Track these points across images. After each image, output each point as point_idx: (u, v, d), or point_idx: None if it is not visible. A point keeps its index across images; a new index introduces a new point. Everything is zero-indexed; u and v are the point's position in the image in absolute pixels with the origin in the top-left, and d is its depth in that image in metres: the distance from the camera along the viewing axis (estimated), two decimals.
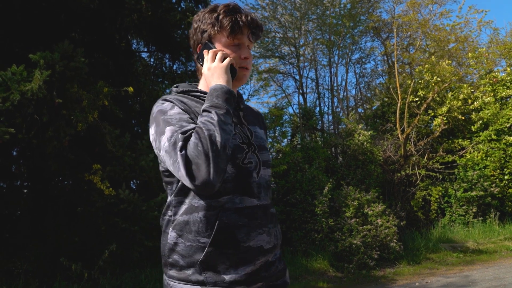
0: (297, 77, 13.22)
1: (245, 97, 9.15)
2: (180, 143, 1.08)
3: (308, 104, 12.53)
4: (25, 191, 6.25)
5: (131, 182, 6.73)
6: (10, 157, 5.81)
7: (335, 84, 13.28)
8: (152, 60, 8.90)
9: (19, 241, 5.57)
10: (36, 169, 5.65)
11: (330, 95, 13.33)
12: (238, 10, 1.28)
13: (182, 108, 1.21)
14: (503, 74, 11.29)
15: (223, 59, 1.24)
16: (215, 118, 1.11)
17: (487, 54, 10.87)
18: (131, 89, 5.21)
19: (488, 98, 10.41)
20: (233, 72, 1.27)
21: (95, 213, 5.31)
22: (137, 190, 6.21)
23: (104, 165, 5.24)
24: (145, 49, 8.65)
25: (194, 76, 8.63)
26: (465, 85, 10.43)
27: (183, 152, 1.07)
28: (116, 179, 5.39)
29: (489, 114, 10.33)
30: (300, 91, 13.14)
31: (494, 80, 10.97)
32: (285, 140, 10.12)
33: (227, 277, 1.14)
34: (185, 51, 7.82)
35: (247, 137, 1.25)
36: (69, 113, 4.77)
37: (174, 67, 8.84)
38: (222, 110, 1.14)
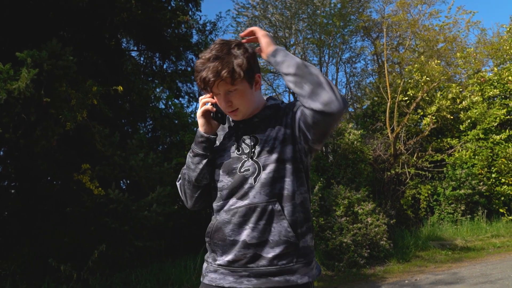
0: None
1: None
2: (179, 176, 1.60)
3: None
4: (13, 191, 6.17)
5: (121, 181, 6.69)
6: None
7: None
8: (142, 59, 8.86)
9: (7, 242, 5.49)
10: (24, 169, 5.58)
11: None
12: (201, 67, 1.37)
13: None
14: (490, 74, 11.45)
15: (202, 106, 1.45)
16: (187, 159, 1.50)
17: (475, 54, 11.02)
18: (120, 88, 5.18)
19: (476, 98, 10.55)
20: (221, 116, 1.46)
21: (85, 213, 5.27)
22: (127, 189, 6.17)
23: (93, 164, 5.20)
24: (135, 48, 8.60)
25: (185, 75, 8.60)
26: (453, 85, 10.56)
27: (178, 182, 1.60)
28: (106, 179, 5.35)
29: (477, 113, 10.47)
30: (290, 90, 13.16)
31: (482, 79, 11.12)
32: None
33: (218, 261, 1.42)
34: (175, 50, 7.79)
35: (248, 146, 1.40)
36: (57, 112, 4.71)
37: (164, 66, 8.80)
38: (191, 153, 1.48)
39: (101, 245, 5.03)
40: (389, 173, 9.80)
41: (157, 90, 8.28)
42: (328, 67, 13.23)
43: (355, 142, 8.96)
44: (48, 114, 4.68)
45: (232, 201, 1.39)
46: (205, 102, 1.44)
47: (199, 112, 1.45)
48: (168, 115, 7.93)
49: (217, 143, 1.51)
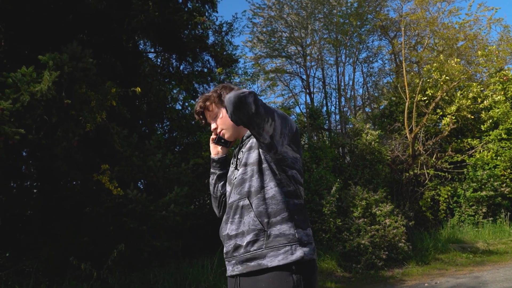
0: (304, 77, 13.19)
1: None
2: None
3: (315, 104, 12.49)
4: (35, 191, 6.31)
5: (139, 182, 6.77)
6: (20, 158, 5.87)
7: (342, 84, 13.23)
8: (159, 60, 8.94)
9: (30, 240, 5.62)
10: (45, 169, 5.71)
11: (337, 94, 13.28)
12: (196, 104, 1.87)
13: None
14: None
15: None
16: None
17: (497, 52, 10.72)
18: (138, 89, 5.23)
19: (498, 97, 10.28)
20: (224, 141, 1.83)
21: (104, 213, 5.35)
22: (145, 190, 6.24)
23: (112, 165, 5.28)
24: (152, 50, 8.69)
25: (201, 76, 8.65)
26: (474, 84, 10.31)
27: None
28: (124, 179, 5.42)
29: (499, 112, 10.20)
30: (307, 90, 13.11)
31: (505, 78, 10.83)
32: None
33: (224, 254, 1.69)
34: (191, 51, 7.84)
35: (237, 160, 1.73)
36: (77, 114, 4.80)
37: (181, 68, 8.87)
38: (210, 173, 1.92)
39: (120, 244, 5.10)
40: (407, 174, 9.65)
41: (174, 91, 8.35)
42: (345, 67, 13.12)
43: (373, 143, 8.86)
44: (69, 115, 4.77)
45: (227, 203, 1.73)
46: (212, 136, 1.90)
47: (210, 143, 1.93)
48: (185, 116, 7.99)
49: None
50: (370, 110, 13.60)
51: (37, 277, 5.28)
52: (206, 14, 8.04)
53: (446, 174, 10.04)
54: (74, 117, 4.82)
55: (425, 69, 10.16)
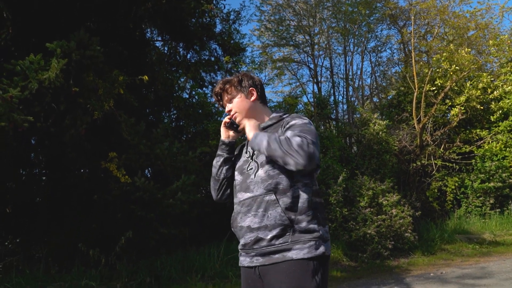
0: (312, 66, 13.10)
1: None
2: None
3: (322, 93, 12.41)
4: (44, 178, 6.38)
5: (146, 170, 6.81)
6: (29, 146, 5.92)
7: (350, 73, 13.12)
8: (166, 49, 8.91)
9: (40, 227, 5.71)
10: (53, 157, 5.76)
11: (345, 84, 13.19)
12: (216, 85, 1.94)
13: None
14: None
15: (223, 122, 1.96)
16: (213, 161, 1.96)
17: (509, 41, 10.53)
18: (146, 77, 5.23)
19: (509, 87, 10.13)
20: (236, 126, 1.89)
21: (112, 201, 5.40)
22: (152, 178, 6.28)
23: (120, 153, 5.30)
24: (159, 38, 8.66)
25: (208, 65, 8.62)
26: (484, 74, 10.16)
27: None
28: (132, 167, 5.45)
29: (510, 103, 10.06)
30: (315, 80, 13.03)
31: None
32: None
33: (240, 245, 1.75)
34: (199, 40, 7.80)
35: (253, 150, 1.78)
36: (85, 102, 4.82)
37: (188, 56, 8.84)
38: (216, 155, 1.93)
39: (128, 231, 5.16)
40: (414, 165, 9.60)
41: (181, 80, 8.34)
42: (353, 56, 13.00)
43: (380, 133, 8.80)
44: (77, 103, 4.79)
45: (241, 194, 1.74)
46: (225, 119, 1.94)
47: (221, 126, 1.96)
48: (192, 104, 7.99)
49: (239, 153, 1.90)
50: (378, 100, 13.49)
51: (47, 263, 5.37)
52: (214, 1, 7.98)
53: (454, 165, 9.97)
54: (82, 105, 4.84)
55: (434, 58, 10.01)
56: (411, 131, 9.91)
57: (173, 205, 5.40)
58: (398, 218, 7.00)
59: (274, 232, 1.61)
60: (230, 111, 1.87)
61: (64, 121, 4.78)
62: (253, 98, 1.87)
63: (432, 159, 9.84)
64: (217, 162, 1.92)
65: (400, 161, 9.59)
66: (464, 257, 7.08)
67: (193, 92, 8.33)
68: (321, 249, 1.61)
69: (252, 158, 1.77)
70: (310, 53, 12.92)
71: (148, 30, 8.22)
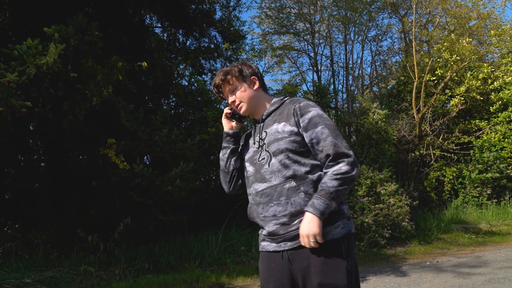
0: (312, 54, 13.02)
1: None
2: None
3: (322, 82, 12.36)
4: (42, 165, 6.38)
5: (145, 157, 6.81)
6: (27, 132, 5.91)
7: (350, 62, 13.05)
8: (165, 35, 8.84)
9: (38, 213, 5.73)
10: (52, 143, 5.75)
11: (345, 73, 13.12)
12: (215, 77, 1.89)
13: None
14: None
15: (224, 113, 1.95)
16: (220, 154, 1.95)
17: (511, 31, 10.46)
18: (145, 64, 5.19)
19: (509, 78, 10.09)
20: (238, 116, 1.89)
21: (111, 187, 5.41)
22: (151, 164, 6.29)
23: (118, 139, 5.30)
24: (159, 25, 8.58)
25: (208, 52, 8.56)
26: (485, 64, 10.11)
27: None
28: (131, 154, 5.45)
29: (510, 94, 10.04)
30: (315, 68, 12.96)
31: None
32: None
33: (263, 232, 1.76)
34: (198, 27, 7.73)
35: (262, 140, 1.77)
36: (84, 88, 4.79)
37: (188, 43, 8.78)
38: (222, 148, 1.93)
39: (127, 218, 5.18)
40: (413, 154, 9.62)
41: (181, 66, 8.29)
42: (354, 45, 12.91)
43: (379, 122, 8.80)
44: (75, 89, 4.76)
45: (257, 185, 1.74)
46: (226, 110, 1.93)
47: (222, 117, 1.95)
48: (191, 92, 7.95)
49: (246, 143, 1.90)
50: (377, 89, 13.46)
51: (46, 248, 5.41)
52: None
53: (452, 155, 9.99)
54: (80, 91, 4.81)
55: (435, 48, 9.96)
56: (410, 121, 9.91)
57: (171, 192, 5.42)
58: (395, 207, 7.04)
59: (300, 217, 1.62)
60: (233, 102, 1.85)
61: (63, 107, 4.75)
62: (255, 86, 1.86)
63: (430, 149, 9.86)
64: (224, 154, 1.91)
65: (398, 150, 9.61)
66: (460, 246, 7.14)
67: (192, 79, 8.29)
68: (348, 227, 1.66)
69: (262, 148, 1.77)
70: (310, 41, 12.83)
71: (148, 16, 8.15)
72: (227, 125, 1.93)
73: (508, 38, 10.51)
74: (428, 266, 5.65)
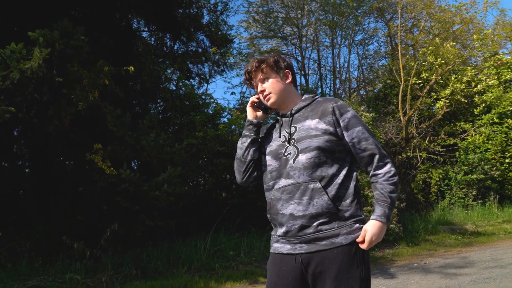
0: (299, 58, 13.09)
1: None
2: None
3: (310, 86, 12.45)
4: (27, 171, 6.27)
5: (132, 162, 6.75)
6: (11, 137, 5.80)
7: (337, 66, 13.17)
8: (153, 39, 8.80)
9: (23, 219, 5.62)
10: (37, 149, 5.66)
11: (332, 76, 13.24)
12: (248, 64, 1.85)
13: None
14: (508, 57, 11.16)
15: (250, 101, 1.89)
16: (238, 142, 1.87)
17: (492, 36, 10.71)
18: (131, 68, 5.15)
19: (492, 81, 10.31)
20: (264, 107, 1.84)
21: (97, 193, 5.34)
22: (138, 170, 6.23)
23: (105, 144, 5.23)
24: (146, 29, 8.54)
25: (196, 56, 8.55)
26: (469, 68, 10.32)
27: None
28: (117, 159, 5.39)
29: (493, 97, 10.25)
30: (302, 72, 13.04)
31: (499, 62, 10.85)
32: None
33: (278, 233, 1.70)
34: (186, 31, 7.72)
35: (289, 135, 1.72)
36: (69, 92, 4.73)
37: (175, 47, 8.75)
38: (241, 137, 1.86)
39: (113, 224, 5.11)
40: (400, 157, 9.72)
41: (168, 71, 8.25)
42: (341, 49, 13.03)
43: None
44: (61, 94, 4.70)
45: (281, 180, 1.68)
46: (252, 99, 1.87)
47: (248, 105, 1.89)
48: (179, 96, 7.92)
49: (266, 136, 1.84)
50: (364, 93, 13.59)
51: (30, 257, 5.30)
52: None
53: (438, 157, 10.14)
54: (66, 96, 4.75)
55: (420, 52, 10.12)
56: (397, 124, 10.03)
57: (159, 197, 5.37)
58: None
59: (320, 219, 1.59)
60: (263, 91, 1.79)
61: (48, 112, 4.68)
62: (288, 80, 1.82)
63: (417, 151, 9.99)
64: (243, 143, 1.83)
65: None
66: (447, 247, 7.23)
67: (180, 84, 8.26)
68: None
69: (289, 143, 1.70)
70: (298, 45, 12.92)
71: (135, 20, 8.10)
72: (252, 114, 1.87)
73: (490, 42, 10.74)
74: (415, 267, 5.71)
